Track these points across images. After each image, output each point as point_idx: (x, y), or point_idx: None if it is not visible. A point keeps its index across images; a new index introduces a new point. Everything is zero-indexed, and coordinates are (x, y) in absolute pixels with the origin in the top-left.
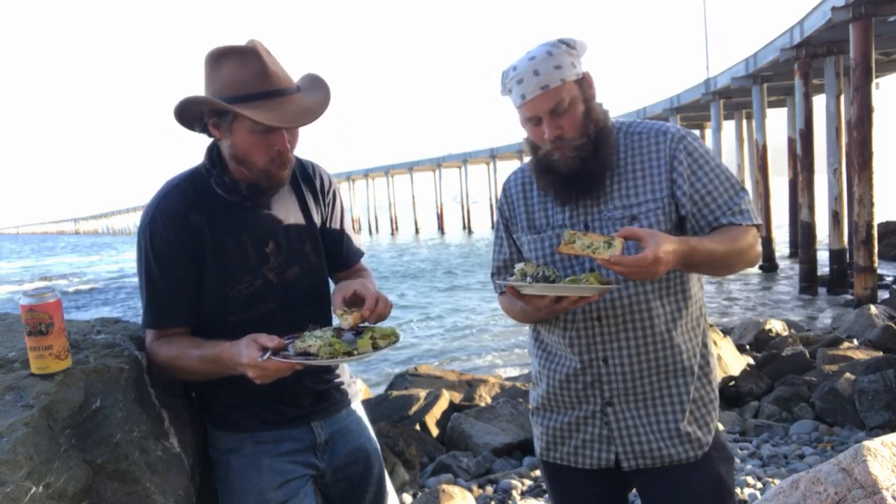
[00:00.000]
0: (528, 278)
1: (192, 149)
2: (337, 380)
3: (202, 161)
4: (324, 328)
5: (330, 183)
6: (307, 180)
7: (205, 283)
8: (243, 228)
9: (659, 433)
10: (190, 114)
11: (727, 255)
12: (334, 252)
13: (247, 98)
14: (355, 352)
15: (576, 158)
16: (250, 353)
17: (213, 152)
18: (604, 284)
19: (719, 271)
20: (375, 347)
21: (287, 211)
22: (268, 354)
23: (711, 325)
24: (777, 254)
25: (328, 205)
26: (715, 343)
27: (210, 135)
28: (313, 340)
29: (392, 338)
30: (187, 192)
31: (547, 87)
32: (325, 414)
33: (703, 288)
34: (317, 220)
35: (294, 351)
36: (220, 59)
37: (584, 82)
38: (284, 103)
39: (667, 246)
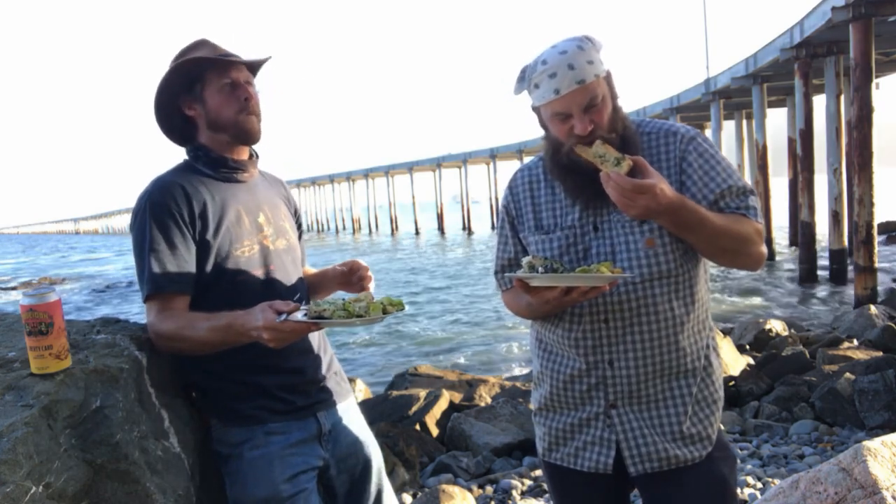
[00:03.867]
0: (540, 269)
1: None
2: (334, 371)
3: (186, 158)
4: (334, 298)
5: (290, 192)
6: (276, 183)
7: (214, 247)
8: (236, 201)
9: (663, 435)
10: (167, 103)
11: (722, 231)
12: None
13: (209, 62)
14: (367, 314)
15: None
16: (266, 316)
17: (193, 143)
18: (617, 274)
19: (714, 250)
20: (385, 312)
21: (267, 194)
22: (284, 317)
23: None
24: (777, 256)
25: (295, 210)
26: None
27: (187, 122)
28: (327, 305)
29: (400, 306)
30: (179, 175)
31: (583, 82)
32: (328, 405)
33: (709, 290)
34: (291, 212)
35: (308, 314)
36: (181, 55)
37: (610, 80)
38: (234, 58)
39: (666, 187)
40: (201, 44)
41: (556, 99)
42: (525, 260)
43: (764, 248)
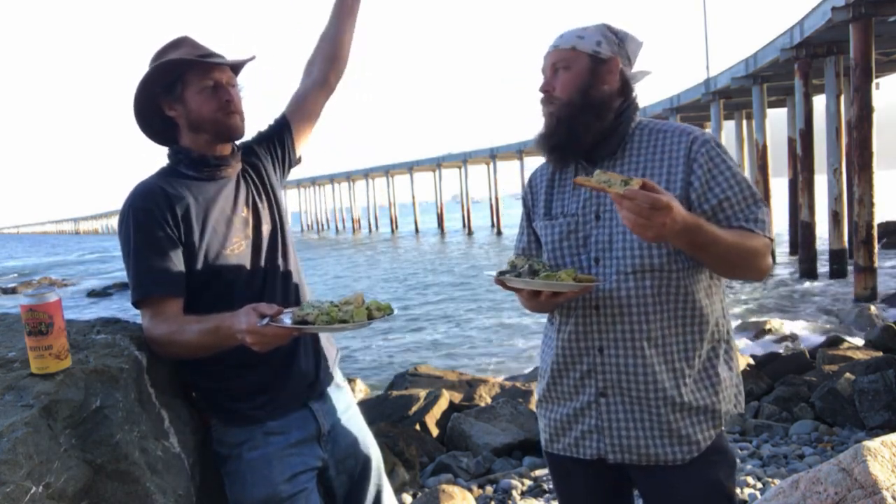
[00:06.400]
0: (506, 271)
1: None
2: (325, 359)
3: (167, 163)
4: (321, 300)
5: (262, 135)
6: (254, 153)
7: (201, 249)
8: (220, 199)
9: (644, 430)
10: (147, 104)
11: (734, 248)
12: (297, 99)
13: (190, 61)
14: (351, 320)
15: (553, 117)
16: (249, 320)
17: (174, 146)
18: (582, 282)
19: (723, 266)
20: (370, 317)
21: (250, 184)
22: (266, 321)
23: None
24: (777, 257)
25: (273, 141)
26: None
27: (168, 123)
28: (311, 309)
29: (387, 310)
30: (161, 179)
31: (557, 47)
32: (321, 388)
33: (723, 301)
34: (273, 172)
35: (292, 319)
36: (160, 54)
37: (601, 64)
38: (216, 59)
39: (679, 206)
40: (182, 42)
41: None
42: (509, 259)
43: (770, 260)
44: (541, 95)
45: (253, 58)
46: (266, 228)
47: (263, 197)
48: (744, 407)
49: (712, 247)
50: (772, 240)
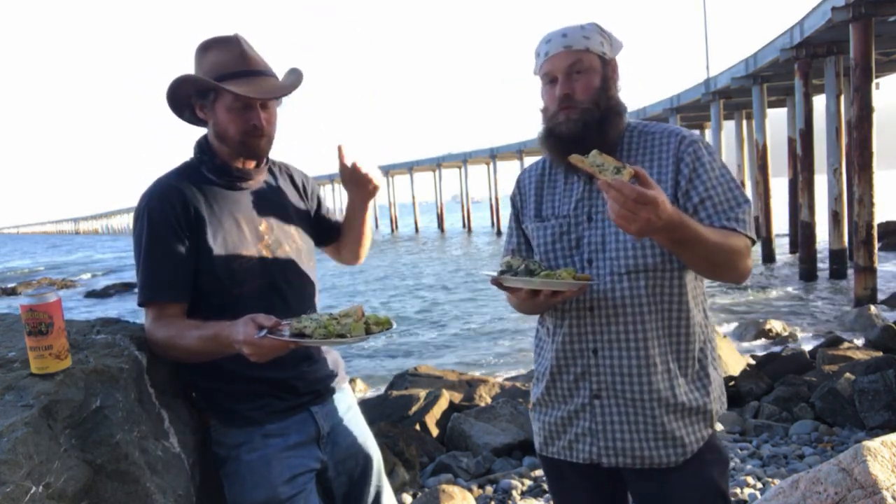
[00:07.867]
0: (503, 271)
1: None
2: (329, 365)
3: (192, 156)
4: (321, 312)
5: (306, 178)
6: (284, 176)
7: (210, 257)
8: (237, 209)
9: (639, 433)
10: (179, 97)
11: (716, 247)
12: (334, 227)
13: (227, 77)
14: (348, 335)
15: (578, 122)
16: (247, 331)
17: (203, 143)
18: (580, 281)
19: (705, 265)
20: (368, 332)
21: (272, 199)
22: (264, 332)
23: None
24: (777, 256)
25: (313, 197)
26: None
27: (197, 120)
28: (309, 322)
29: (385, 324)
30: (181, 179)
31: (570, 47)
32: (323, 397)
33: (704, 302)
34: (302, 207)
35: (290, 331)
36: (207, 48)
37: (608, 64)
38: (259, 81)
39: (666, 202)
40: (230, 43)
41: (544, 61)
42: (504, 259)
43: (751, 262)
44: (554, 99)
45: (296, 86)
46: (284, 244)
47: (286, 211)
48: (726, 406)
49: (695, 244)
50: (753, 240)
